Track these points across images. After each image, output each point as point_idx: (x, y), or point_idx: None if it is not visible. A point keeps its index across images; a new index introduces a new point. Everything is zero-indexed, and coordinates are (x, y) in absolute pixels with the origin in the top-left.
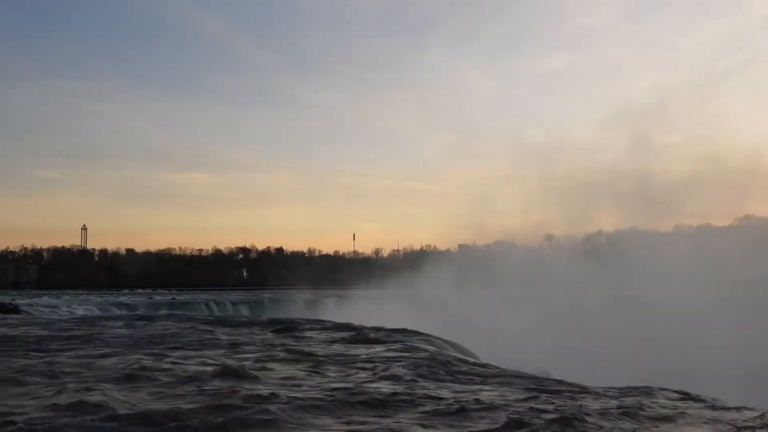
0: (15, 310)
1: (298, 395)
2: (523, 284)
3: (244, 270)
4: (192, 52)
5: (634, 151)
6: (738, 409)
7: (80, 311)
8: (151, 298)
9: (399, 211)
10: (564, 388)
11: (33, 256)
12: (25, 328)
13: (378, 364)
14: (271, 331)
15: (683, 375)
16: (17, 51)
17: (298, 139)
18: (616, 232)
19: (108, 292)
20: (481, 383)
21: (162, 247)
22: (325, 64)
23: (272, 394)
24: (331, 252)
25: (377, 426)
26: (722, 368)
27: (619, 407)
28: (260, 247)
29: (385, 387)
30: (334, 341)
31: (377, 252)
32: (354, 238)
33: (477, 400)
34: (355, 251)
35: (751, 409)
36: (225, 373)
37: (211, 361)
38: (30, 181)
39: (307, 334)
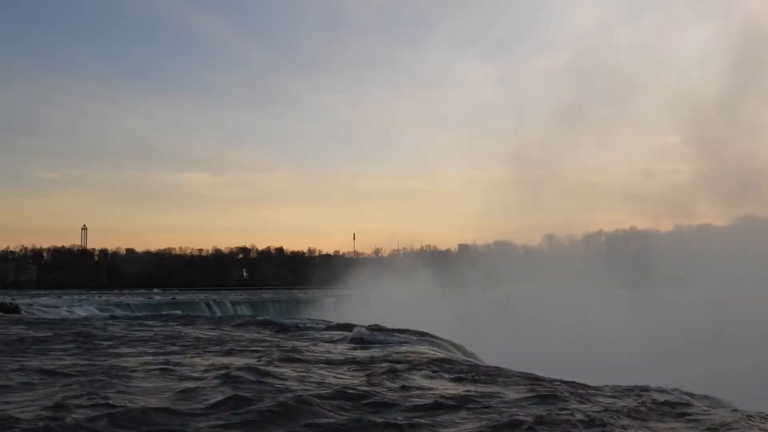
0: (15, 310)
1: (296, 396)
2: (523, 285)
3: (244, 270)
4: (192, 53)
5: (634, 149)
6: (736, 410)
7: (80, 311)
8: (151, 298)
9: (399, 211)
10: (567, 387)
11: (33, 256)
12: (24, 327)
13: (378, 364)
14: (271, 331)
15: (687, 375)
16: (17, 51)
17: (298, 139)
18: (616, 232)
19: (108, 292)
20: (481, 383)
21: (162, 247)
22: (325, 63)
23: (271, 394)
24: (331, 252)
25: (379, 425)
26: (729, 369)
27: (618, 406)
28: (260, 247)
29: (386, 387)
30: (334, 341)
31: (377, 252)
32: (354, 238)
33: (478, 400)
34: (355, 251)
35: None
36: (222, 375)
37: (209, 362)
38: (30, 181)
39: (307, 334)
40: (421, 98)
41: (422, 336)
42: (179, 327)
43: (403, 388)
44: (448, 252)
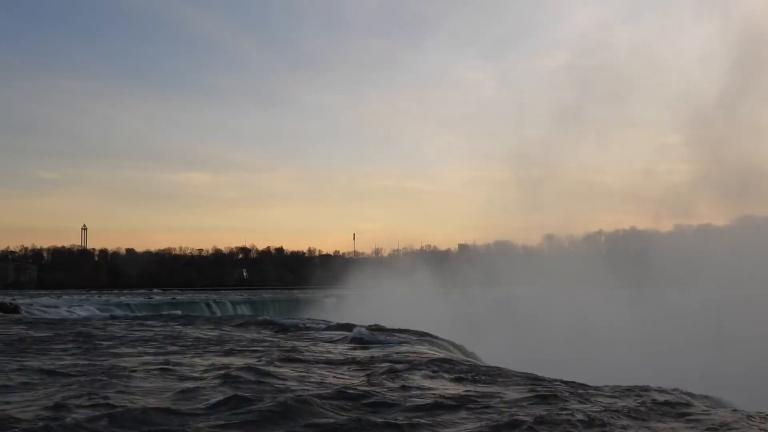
0: (15, 310)
1: (296, 396)
2: (523, 285)
3: (244, 270)
4: (192, 53)
5: (634, 150)
6: (736, 410)
7: (80, 311)
8: (151, 298)
9: (399, 211)
10: (567, 387)
11: (33, 256)
12: (24, 327)
13: (378, 364)
14: (271, 331)
15: (687, 375)
16: (17, 51)
17: (298, 139)
18: (616, 232)
19: (108, 292)
20: (481, 383)
21: (162, 247)
22: (325, 63)
23: (271, 394)
24: (331, 252)
25: (379, 425)
26: (729, 369)
27: (618, 406)
28: (260, 247)
29: (386, 387)
30: (334, 341)
31: (377, 252)
32: (354, 238)
33: (478, 400)
34: (355, 251)
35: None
36: (222, 375)
37: (209, 362)
38: (30, 181)
39: (307, 334)
40: (421, 98)
41: (422, 336)
42: (179, 327)
43: (403, 388)
44: (448, 252)
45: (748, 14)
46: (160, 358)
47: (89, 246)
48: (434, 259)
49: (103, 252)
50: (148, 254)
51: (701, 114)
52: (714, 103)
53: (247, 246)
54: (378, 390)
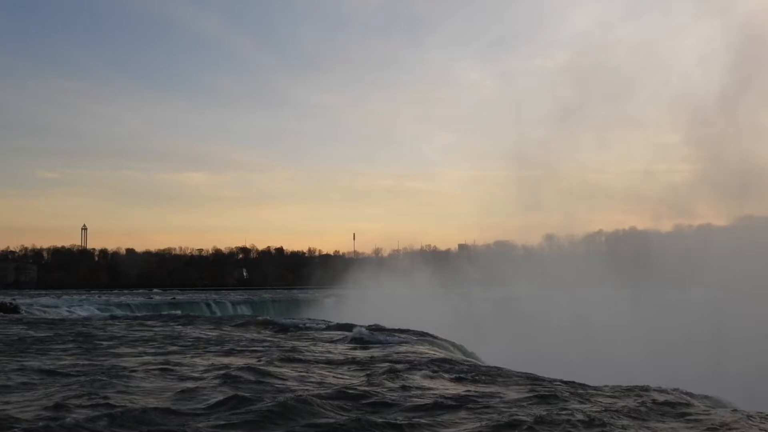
0: (15, 310)
1: (296, 396)
2: (523, 285)
3: (244, 270)
4: (191, 53)
5: (634, 149)
6: (736, 410)
7: (80, 311)
8: (151, 298)
9: (399, 211)
10: (567, 387)
11: (33, 256)
12: (24, 327)
13: (378, 364)
14: (271, 331)
15: (687, 375)
16: (17, 51)
17: (298, 139)
18: (616, 232)
19: (108, 292)
20: (481, 383)
21: (162, 247)
22: (325, 63)
23: (271, 394)
24: (331, 252)
25: (379, 425)
26: (729, 369)
27: (618, 406)
28: (260, 247)
29: (386, 387)
30: (334, 341)
31: (377, 252)
32: (354, 238)
33: (478, 400)
34: (355, 251)
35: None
36: (222, 375)
37: (209, 362)
38: (30, 181)
39: (307, 334)
40: (421, 98)
41: (422, 336)
42: (179, 327)
43: (403, 388)
44: (448, 252)
45: (748, 14)
46: (160, 358)
47: (89, 246)
48: (434, 259)
49: (103, 252)
50: (148, 254)
51: (701, 114)
52: (714, 103)
53: (247, 246)
54: (378, 390)
